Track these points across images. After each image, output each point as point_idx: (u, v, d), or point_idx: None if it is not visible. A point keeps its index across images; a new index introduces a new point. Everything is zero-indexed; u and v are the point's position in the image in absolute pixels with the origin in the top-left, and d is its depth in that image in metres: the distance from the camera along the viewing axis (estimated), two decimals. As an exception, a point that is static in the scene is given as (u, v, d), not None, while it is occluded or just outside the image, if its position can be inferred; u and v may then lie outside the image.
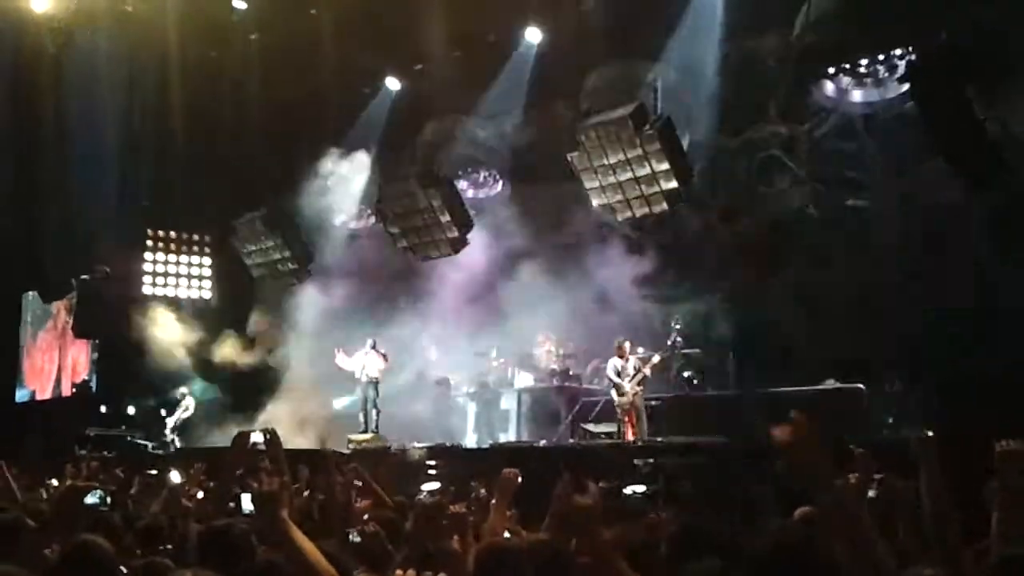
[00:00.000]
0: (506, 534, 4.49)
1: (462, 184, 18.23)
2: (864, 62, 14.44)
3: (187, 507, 4.74)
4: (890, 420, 12.29)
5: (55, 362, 23.23)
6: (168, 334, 19.83)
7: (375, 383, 16.17)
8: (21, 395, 23.87)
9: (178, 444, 18.66)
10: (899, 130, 14.07)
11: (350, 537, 3.98)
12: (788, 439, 2.25)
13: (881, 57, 14.27)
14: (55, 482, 8.05)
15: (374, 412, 16.08)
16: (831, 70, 14.70)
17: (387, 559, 3.70)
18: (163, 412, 19.56)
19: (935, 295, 13.67)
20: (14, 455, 9.79)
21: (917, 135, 13.26)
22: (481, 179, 18.49)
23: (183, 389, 19.52)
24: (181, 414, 19.20)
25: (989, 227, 13.12)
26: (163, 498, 5.31)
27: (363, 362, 16.20)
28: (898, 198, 14.25)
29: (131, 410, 20.19)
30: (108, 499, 5.62)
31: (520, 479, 4.73)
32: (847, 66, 14.61)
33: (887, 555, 2.34)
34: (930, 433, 5.35)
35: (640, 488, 9.80)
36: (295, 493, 5.77)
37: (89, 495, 5.35)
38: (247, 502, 4.84)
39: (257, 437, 7.50)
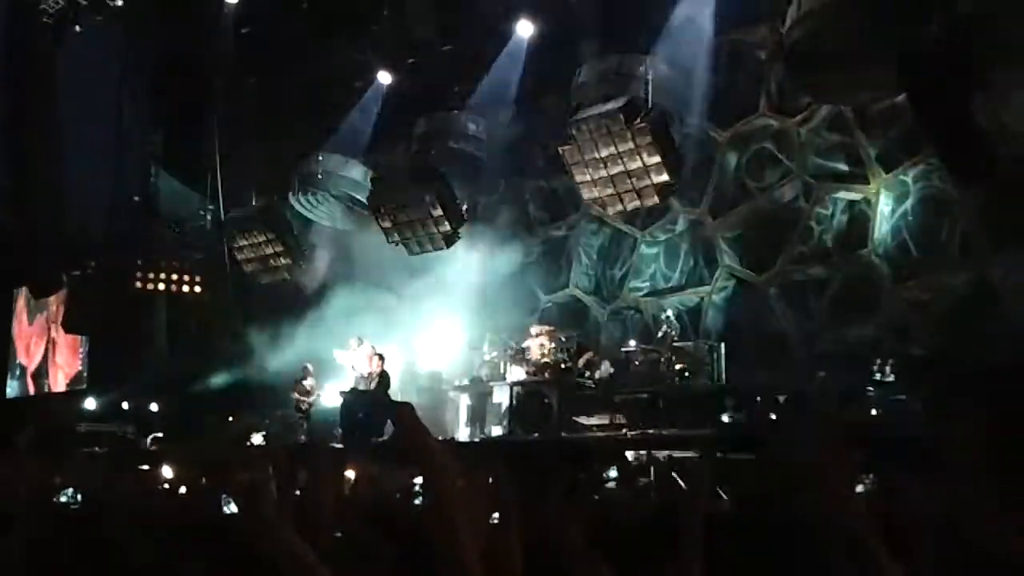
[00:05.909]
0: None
1: (454, 178, 18.16)
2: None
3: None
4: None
5: (43, 354, 23.11)
6: None
7: (368, 380, 16.12)
8: (12, 389, 23.74)
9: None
10: (890, 122, 14.06)
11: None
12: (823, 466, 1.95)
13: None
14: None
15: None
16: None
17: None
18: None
19: (928, 287, 13.69)
20: (4, 451, 9.79)
21: (909, 127, 13.27)
22: (473, 173, 18.41)
23: (307, 364, 16.93)
24: (306, 394, 16.65)
25: (981, 218, 13.11)
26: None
27: (353, 360, 16.21)
28: (890, 190, 14.24)
29: (124, 405, 20.01)
30: (79, 496, 5.58)
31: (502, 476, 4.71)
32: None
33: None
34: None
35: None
36: (289, 493, 5.72)
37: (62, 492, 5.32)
38: (229, 499, 4.82)
39: (257, 438, 7.47)
